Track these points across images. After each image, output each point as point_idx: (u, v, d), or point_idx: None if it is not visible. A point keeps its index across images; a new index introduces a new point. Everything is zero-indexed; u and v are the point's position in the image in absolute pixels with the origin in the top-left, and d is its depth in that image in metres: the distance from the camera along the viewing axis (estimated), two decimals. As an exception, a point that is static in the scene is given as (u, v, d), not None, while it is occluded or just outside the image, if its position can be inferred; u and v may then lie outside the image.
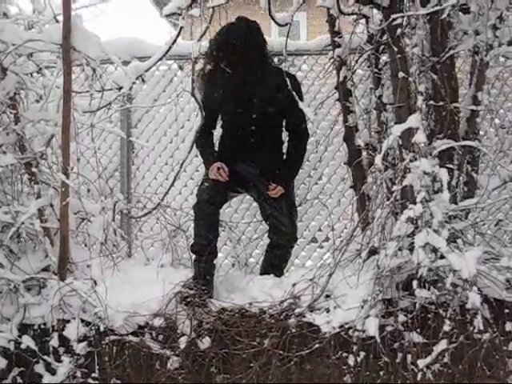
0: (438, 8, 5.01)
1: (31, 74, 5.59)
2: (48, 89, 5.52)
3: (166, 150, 6.65)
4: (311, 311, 5.04)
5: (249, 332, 5.08)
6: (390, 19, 5.02)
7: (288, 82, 5.49)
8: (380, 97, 5.65)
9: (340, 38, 5.85)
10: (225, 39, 5.56)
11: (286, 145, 6.06)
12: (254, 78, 5.57)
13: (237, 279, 5.63)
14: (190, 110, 6.48)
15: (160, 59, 5.61)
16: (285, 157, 5.83)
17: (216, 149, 5.86)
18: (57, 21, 5.55)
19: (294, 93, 5.47)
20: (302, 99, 5.66)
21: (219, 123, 5.93)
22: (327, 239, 6.36)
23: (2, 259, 5.35)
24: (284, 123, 5.86)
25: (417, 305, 4.76)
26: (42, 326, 5.26)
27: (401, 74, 5.07)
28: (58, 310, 5.22)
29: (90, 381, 5.16)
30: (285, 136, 5.92)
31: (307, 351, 4.98)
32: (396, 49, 5.09)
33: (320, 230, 6.45)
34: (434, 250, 4.69)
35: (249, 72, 5.55)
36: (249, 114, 5.66)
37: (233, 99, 5.65)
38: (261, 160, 5.72)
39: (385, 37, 5.27)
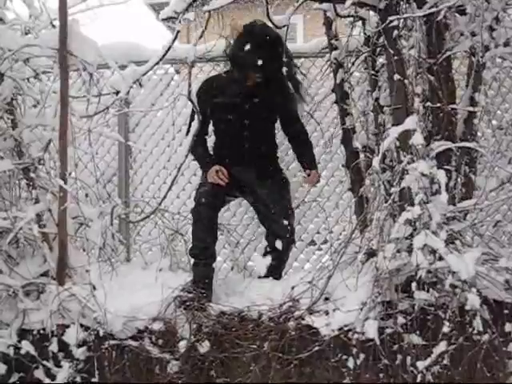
0: (434, 10, 5.01)
1: (28, 79, 5.58)
2: (45, 94, 5.51)
3: (163, 154, 6.66)
4: (310, 314, 5.04)
5: (248, 335, 5.08)
6: (387, 21, 5.02)
7: (283, 84, 5.54)
8: (377, 99, 5.66)
9: (337, 40, 5.86)
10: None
11: (284, 148, 6.12)
12: (263, 89, 5.63)
13: (236, 283, 5.64)
14: (187, 113, 6.43)
15: (157, 63, 5.61)
16: (297, 152, 5.92)
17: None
18: (53, 26, 5.56)
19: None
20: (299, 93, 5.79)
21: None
22: (326, 242, 6.37)
23: (1, 265, 5.35)
24: (281, 126, 5.90)
25: (416, 307, 4.76)
26: (42, 331, 5.25)
27: (397, 76, 5.07)
28: (57, 315, 5.21)
29: (89, 385, 5.17)
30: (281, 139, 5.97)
31: (307, 354, 4.97)
32: (392, 51, 5.09)
33: (318, 232, 6.46)
34: (433, 252, 4.69)
35: (263, 83, 5.61)
36: (242, 121, 5.70)
37: (225, 106, 5.68)
38: (257, 163, 5.75)
39: (381, 39, 5.29)
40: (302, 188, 6.44)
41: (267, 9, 5.35)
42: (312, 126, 6.34)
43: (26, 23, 5.70)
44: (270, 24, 5.49)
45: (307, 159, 5.87)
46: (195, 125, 5.60)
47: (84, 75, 5.41)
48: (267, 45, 5.54)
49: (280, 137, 6.09)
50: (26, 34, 5.69)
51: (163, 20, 5.47)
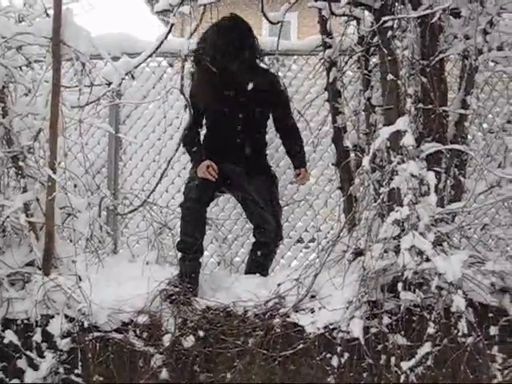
0: (429, 11, 5.02)
1: (20, 67, 5.56)
2: (37, 83, 5.50)
3: (153, 147, 6.64)
4: (296, 311, 5.04)
5: (233, 331, 5.08)
6: (381, 21, 5.02)
7: (276, 80, 5.53)
8: (369, 98, 5.65)
9: (331, 39, 5.85)
10: (223, 38, 5.52)
11: (274, 145, 6.13)
12: (244, 78, 5.59)
13: (222, 278, 5.64)
14: (179, 107, 6.45)
15: (150, 56, 5.61)
16: (288, 149, 5.93)
17: (201, 148, 5.88)
18: (47, 14, 5.54)
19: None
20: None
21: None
22: (313, 240, 6.36)
23: (-13, 253, 5.34)
24: (273, 122, 5.91)
25: (401, 307, 4.77)
26: (26, 321, 5.23)
27: (390, 77, 5.07)
28: (42, 305, 5.19)
29: (72, 377, 5.14)
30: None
31: (291, 351, 4.98)
32: (386, 51, 5.09)
33: (306, 230, 6.46)
34: (420, 253, 4.69)
35: (240, 73, 5.57)
36: (235, 115, 5.69)
37: (220, 99, 5.66)
38: (246, 160, 5.74)
39: (375, 39, 5.29)
40: (291, 185, 6.43)
41: (262, 3, 5.35)
42: (303, 124, 6.33)
43: (20, 11, 5.67)
44: (263, 19, 5.49)
45: (298, 157, 5.88)
46: (186, 118, 5.58)
47: (76, 65, 5.39)
48: (234, 37, 5.52)
49: (271, 134, 6.08)
50: (20, 21, 5.67)
51: (158, 13, 5.46)
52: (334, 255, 5.14)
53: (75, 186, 5.81)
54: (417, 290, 4.73)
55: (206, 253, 5.96)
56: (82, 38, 5.30)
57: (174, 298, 5.23)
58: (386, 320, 4.83)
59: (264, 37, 6.78)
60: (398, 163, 4.84)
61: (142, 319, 5.21)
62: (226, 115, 5.70)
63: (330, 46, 5.83)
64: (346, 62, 5.86)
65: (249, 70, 5.59)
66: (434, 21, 5.05)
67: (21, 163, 5.44)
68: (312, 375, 4.98)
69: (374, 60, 5.65)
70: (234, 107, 5.68)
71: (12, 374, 5.19)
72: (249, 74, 5.60)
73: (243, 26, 5.63)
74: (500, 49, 5.20)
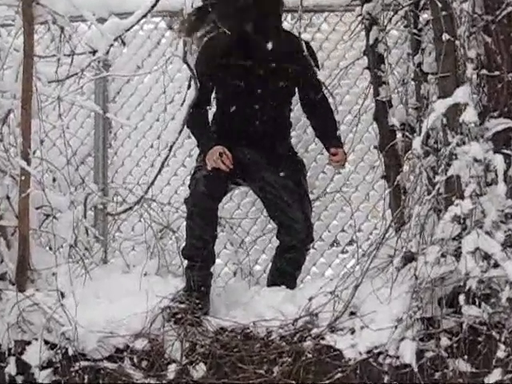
0: (493, -48, 5.01)
1: (-17, 33, 5.61)
2: (4, 52, 5.53)
3: (151, 130, 6.65)
4: (332, 332, 5.07)
5: (254, 357, 5.11)
6: (433, -33, 5.02)
7: (304, 47, 5.53)
8: (420, 64, 5.64)
9: (370, -10, 5.85)
10: None
11: (301, 125, 6.13)
12: (268, 44, 5.66)
13: (239, 291, 5.68)
14: (181, 79, 6.44)
15: (144, 16, 5.63)
16: (318, 127, 5.99)
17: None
18: (16, -32, 5.56)
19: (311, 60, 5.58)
20: (318, 67, 5.80)
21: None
22: (352, 242, 6.35)
23: None
24: (299, 96, 5.95)
25: (464, 325, 4.78)
26: (-4, 349, 5.29)
27: (446, 36, 5.06)
28: (16, 328, 5.25)
29: (55, 417, 5.19)
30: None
31: (327, 382, 4.99)
32: (440, 4, 5.08)
33: (343, 230, 6.44)
34: (486, 257, 4.69)
35: (264, 37, 5.64)
36: (252, 90, 5.73)
37: (234, 70, 5.71)
38: (266, 143, 5.78)
39: (426, -11, 5.28)
40: (323, 175, 6.42)
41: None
42: (337, 97, 6.30)
43: (-18, -36, 5.71)
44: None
45: (332, 135, 5.88)
46: (192, 93, 5.60)
47: (53, 29, 5.42)
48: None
49: (297, 111, 6.10)
50: (-18, -23, 5.70)
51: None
52: (378, 261, 5.16)
53: (54, 179, 5.85)
54: (483, 304, 4.74)
55: (218, 260, 5.99)
56: (60, -5, 5.34)
57: (179, 317, 5.27)
58: (444, 341, 4.84)
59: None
60: (458, 145, 4.84)
61: (141, 344, 5.25)
62: (240, 90, 5.73)
63: (369, 0, 5.82)
64: (390, 20, 5.83)
65: (273, 34, 5.61)
66: (500, -36, 5.04)
67: (-14, 153, 5.50)
68: (353, 411, 5.00)
69: (425, 16, 5.63)
70: (250, 81, 5.71)
71: (-19, 414, 5.24)
72: (272, 39, 5.62)
73: None
74: None
